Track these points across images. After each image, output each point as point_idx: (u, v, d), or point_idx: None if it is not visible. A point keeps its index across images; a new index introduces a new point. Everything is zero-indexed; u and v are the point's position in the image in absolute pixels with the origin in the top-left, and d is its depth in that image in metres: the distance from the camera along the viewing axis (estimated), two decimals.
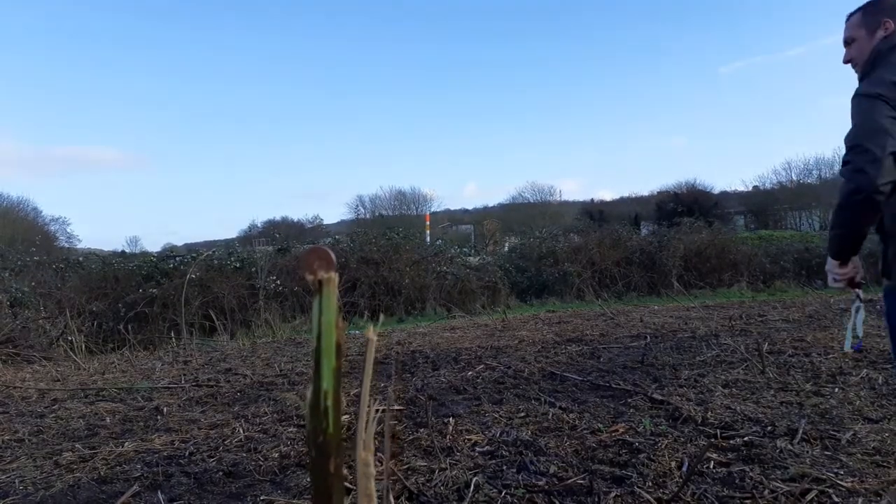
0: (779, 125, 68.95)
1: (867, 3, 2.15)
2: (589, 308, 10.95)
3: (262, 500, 2.46)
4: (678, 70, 76.76)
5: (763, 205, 38.72)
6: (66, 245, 33.06)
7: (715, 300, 11.49)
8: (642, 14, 76.34)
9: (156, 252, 20.00)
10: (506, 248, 20.82)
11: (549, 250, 14.34)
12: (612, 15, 78.24)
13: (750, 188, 41.50)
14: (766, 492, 2.20)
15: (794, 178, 39.06)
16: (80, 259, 13.83)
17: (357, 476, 0.63)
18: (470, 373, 4.87)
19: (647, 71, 76.05)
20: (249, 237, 37.36)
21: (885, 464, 2.43)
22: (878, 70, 1.98)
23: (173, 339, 8.30)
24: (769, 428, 2.99)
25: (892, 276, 1.99)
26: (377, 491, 0.66)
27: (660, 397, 3.72)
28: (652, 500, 2.19)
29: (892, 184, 1.78)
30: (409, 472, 2.62)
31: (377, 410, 0.70)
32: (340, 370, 0.58)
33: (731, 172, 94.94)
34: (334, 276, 0.58)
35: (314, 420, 0.58)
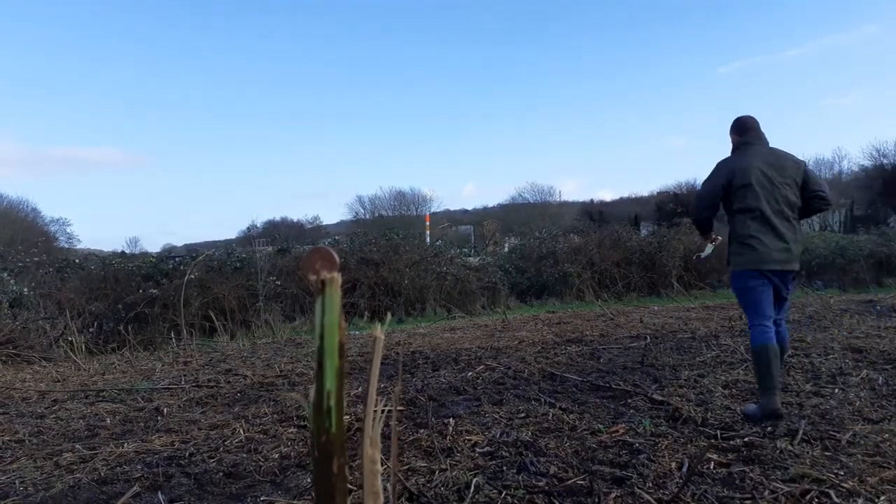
0: (778, 125, 68.93)
1: (732, 123, 3.74)
2: (589, 309, 10.95)
3: (263, 500, 2.46)
4: (678, 70, 76.92)
5: None
6: (66, 245, 33.06)
7: (715, 301, 11.49)
8: (642, 14, 76.46)
9: (155, 252, 20.02)
10: (505, 249, 20.80)
11: (549, 251, 14.34)
12: (611, 15, 78.39)
13: None
14: (766, 492, 2.20)
15: None
16: (80, 260, 13.83)
17: (364, 473, 0.63)
18: (470, 373, 4.87)
19: (647, 71, 76.18)
20: (249, 237, 37.36)
21: (885, 464, 2.43)
22: (731, 156, 3.64)
23: (173, 340, 8.29)
24: (769, 428, 2.99)
25: (730, 263, 3.55)
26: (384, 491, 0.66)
27: (660, 398, 3.72)
28: (652, 500, 2.19)
29: (711, 216, 3.75)
30: (410, 473, 2.62)
31: (382, 410, 0.70)
32: (343, 370, 0.58)
33: None
34: (337, 276, 0.58)
35: (317, 420, 0.58)
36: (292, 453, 3.03)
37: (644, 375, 4.48)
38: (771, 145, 3.59)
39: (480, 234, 33.57)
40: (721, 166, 3.58)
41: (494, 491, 2.36)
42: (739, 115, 3.69)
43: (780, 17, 75.36)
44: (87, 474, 2.86)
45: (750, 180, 3.40)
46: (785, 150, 3.55)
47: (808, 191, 3.50)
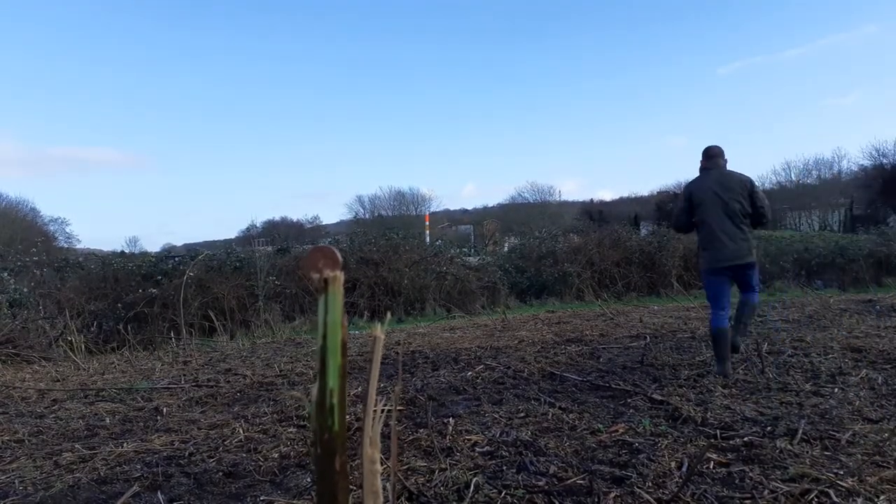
0: (778, 125, 69.01)
1: (703, 149, 4.64)
2: (588, 308, 10.95)
3: (262, 500, 2.46)
4: (678, 70, 76.86)
5: None
6: (66, 245, 33.06)
7: None
8: (642, 14, 76.45)
9: (155, 252, 20.00)
10: (505, 249, 20.81)
11: (549, 250, 14.34)
12: (611, 15, 78.39)
13: None
14: (766, 492, 2.20)
15: (794, 178, 39.12)
16: (80, 259, 13.83)
17: (363, 473, 0.63)
18: (469, 373, 4.87)
19: (647, 71, 76.16)
20: (249, 237, 37.36)
21: (884, 464, 2.44)
22: (693, 179, 4.64)
23: (173, 340, 8.29)
24: (769, 428, 2.99)
25: (701, 264, 4.51)
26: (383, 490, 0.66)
27: (659, 397, 3.72)
28: (652, 500, 2.19)
29: (684, 230, 4.78)
30: (409, 473, 2.62)
31: (382, 409, 0.70)
32: (346, 368, 0.58)
33: None
34: (340, 274, 0.58)
35: (320, 418, 0.58)
36: (292, 453, 3.03)
37: (644, 375, 4.49)
38: (728, 167, 4.54)
39: (480, 234, 33.59)
40: (685, 189, 4.70)
41: (494, 490, 2.36)
42: (709, 144, 4.66)
43: (780, 17, 75.28)
44: (86, 474, 2.86)
45: (703, 199, 4.43)
46: (737, 171, 4.52)
47: (753, 206, 4.39)
